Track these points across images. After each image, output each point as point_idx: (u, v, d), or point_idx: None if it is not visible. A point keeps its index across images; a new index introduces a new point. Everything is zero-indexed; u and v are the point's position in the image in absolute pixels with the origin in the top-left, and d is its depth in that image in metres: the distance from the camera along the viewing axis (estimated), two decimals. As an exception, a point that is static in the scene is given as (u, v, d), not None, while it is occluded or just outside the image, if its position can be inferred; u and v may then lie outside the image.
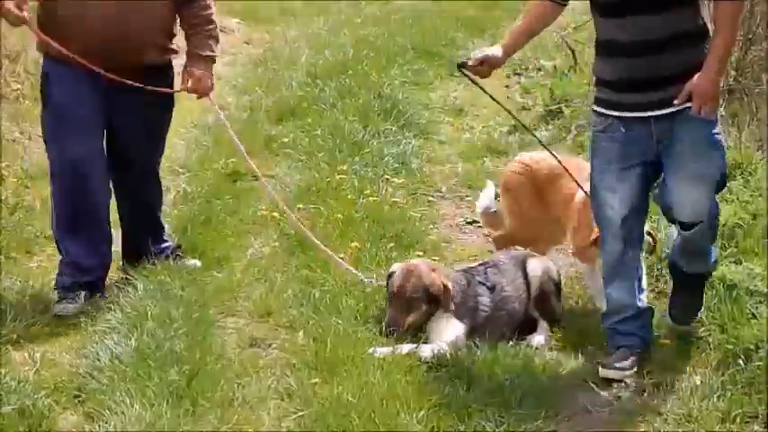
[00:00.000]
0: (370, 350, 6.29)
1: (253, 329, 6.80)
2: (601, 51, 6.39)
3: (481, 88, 6.88)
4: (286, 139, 10.61)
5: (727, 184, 7.26)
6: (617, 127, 6.26)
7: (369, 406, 5.53)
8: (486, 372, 6.16)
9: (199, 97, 7.52)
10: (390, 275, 6.78)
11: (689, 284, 6.67)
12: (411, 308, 6.62)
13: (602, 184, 6.39)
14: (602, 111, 6.35)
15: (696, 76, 5.92)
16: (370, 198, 8.96)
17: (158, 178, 7.72)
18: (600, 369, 6.29)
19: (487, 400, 5.84)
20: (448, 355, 6.34)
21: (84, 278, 7.09)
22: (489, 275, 6.93)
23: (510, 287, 6.94)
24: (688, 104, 6.01)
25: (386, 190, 9.28)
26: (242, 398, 5.84)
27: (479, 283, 6.85)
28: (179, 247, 7.75)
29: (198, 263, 7.63)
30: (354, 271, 7.35)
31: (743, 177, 8.54)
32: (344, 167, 9.73)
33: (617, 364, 6.27)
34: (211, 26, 7.30)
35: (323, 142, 10.50)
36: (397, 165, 10.10)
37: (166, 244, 7.67)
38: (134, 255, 7.52)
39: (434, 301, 6.62)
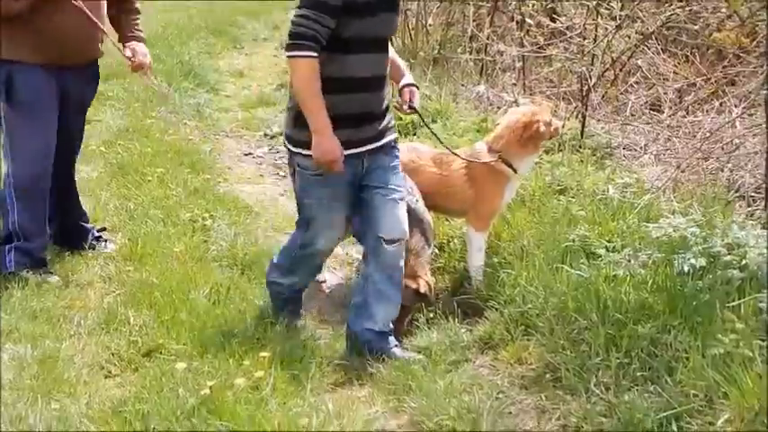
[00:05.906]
0: None
1: (83, 233, 6.65)
2: (338, 88, 4.66)
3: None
4: (111, 94, 10.35)
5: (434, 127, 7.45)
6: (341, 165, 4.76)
7: (167, 285, 5.52)
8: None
9: (135, 70, 6.06)
10: None
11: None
12: None
13: (325, 221, 4.97)
14: None
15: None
16: (173, 136, 8.90)
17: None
18: None
19: (260, 279, 5.73)
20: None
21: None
22: None
23: None
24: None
25: (184, 131, 9.20)
26: (75, 281, 5.77)
27: None
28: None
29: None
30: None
31: (442, 121, 8.74)
32: (154, 114, 9.66)
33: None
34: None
35: (138, 95, 10.38)
36: (193, 112, 10.11)
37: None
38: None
39: None
